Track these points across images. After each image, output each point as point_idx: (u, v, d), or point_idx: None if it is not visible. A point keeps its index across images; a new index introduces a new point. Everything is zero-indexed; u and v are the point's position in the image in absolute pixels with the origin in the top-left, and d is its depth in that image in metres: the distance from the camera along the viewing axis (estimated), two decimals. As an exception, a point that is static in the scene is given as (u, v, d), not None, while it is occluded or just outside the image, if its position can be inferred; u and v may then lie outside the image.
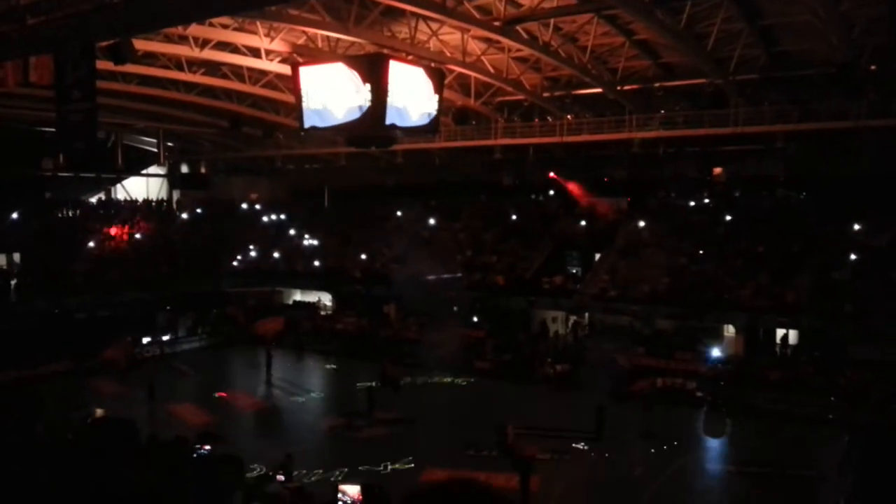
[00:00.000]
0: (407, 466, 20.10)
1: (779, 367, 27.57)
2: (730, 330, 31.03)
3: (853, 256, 30.08)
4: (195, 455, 13.16)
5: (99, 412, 20.55)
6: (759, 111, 29.48)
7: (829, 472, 19.16)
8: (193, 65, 31.52)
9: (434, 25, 26.35)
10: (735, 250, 33.08)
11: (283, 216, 49.45)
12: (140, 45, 25.24)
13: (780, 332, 30.07)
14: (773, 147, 30.71)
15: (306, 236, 45.71)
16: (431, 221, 43.30)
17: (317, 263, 42.55)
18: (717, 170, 36.82)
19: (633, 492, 18.64)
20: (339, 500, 14.72)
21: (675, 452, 21.70)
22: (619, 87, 31.18)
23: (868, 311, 25.95)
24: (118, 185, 52.33)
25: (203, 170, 53.78)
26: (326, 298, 42.43)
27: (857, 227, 31.64)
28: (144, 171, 51.83)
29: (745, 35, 25.50)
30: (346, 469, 19.45)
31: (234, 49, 29.28)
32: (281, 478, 16.06)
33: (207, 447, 13.69)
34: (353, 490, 14.63)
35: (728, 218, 35.66)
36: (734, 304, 30.00)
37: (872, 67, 25.37)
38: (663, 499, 18.23)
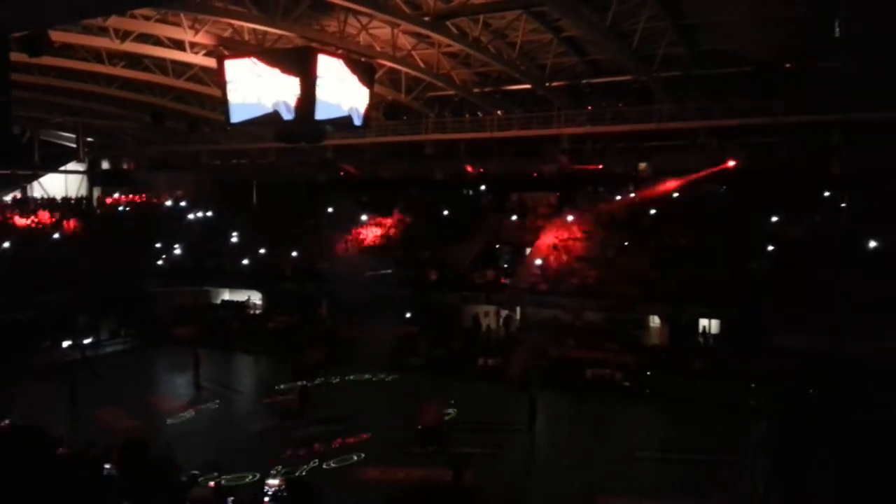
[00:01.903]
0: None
1: (701, 355, 28.44)
2: (655, 321, 31.86)
3: (770, 248, 31.28)
4: (104, 472, 12.76)
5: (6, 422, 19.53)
6: (683, 107, 30.35)
7: (748, 456, 19.89)
8: (114, 57, 30.48)
9: (364, 19, 26.21)
10: (659, 243, 33.96)
11: (209, 213, 48.32)
12: (57, 36, 24.29)
13: (702, 322, 31.01)
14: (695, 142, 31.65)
15: (234, 234, 44.80)
16: (363, 217, 42.99)
17: (246, 262, 41.76)
18: (642, 165, 37.70)
19: (564, 481, 18.96)
20: (265, 493, 14.91)
21: (603, 441, 22.24)
22: (547, 84, 31.64)
23: (787, 300, 26.95)
24: (35, 183, 50.38)
25: (125, 166, 52.19)
26: (256, 297, 41.67)
27: (774, 219, 32.89)
28: (63, 168, 49.96)
29: (668, 34, 26.24)
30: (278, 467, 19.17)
31: (156, 41, 28.39)
32: (212, 483, 15.77)
33: (108, 465, 13.26)
34: (275, 481, 15.08)
35: (652, 211, 36.57)
36: (659, 296, 30.76)
37: (788, 66, 26.41)
38: (593, 487, 18.59)
